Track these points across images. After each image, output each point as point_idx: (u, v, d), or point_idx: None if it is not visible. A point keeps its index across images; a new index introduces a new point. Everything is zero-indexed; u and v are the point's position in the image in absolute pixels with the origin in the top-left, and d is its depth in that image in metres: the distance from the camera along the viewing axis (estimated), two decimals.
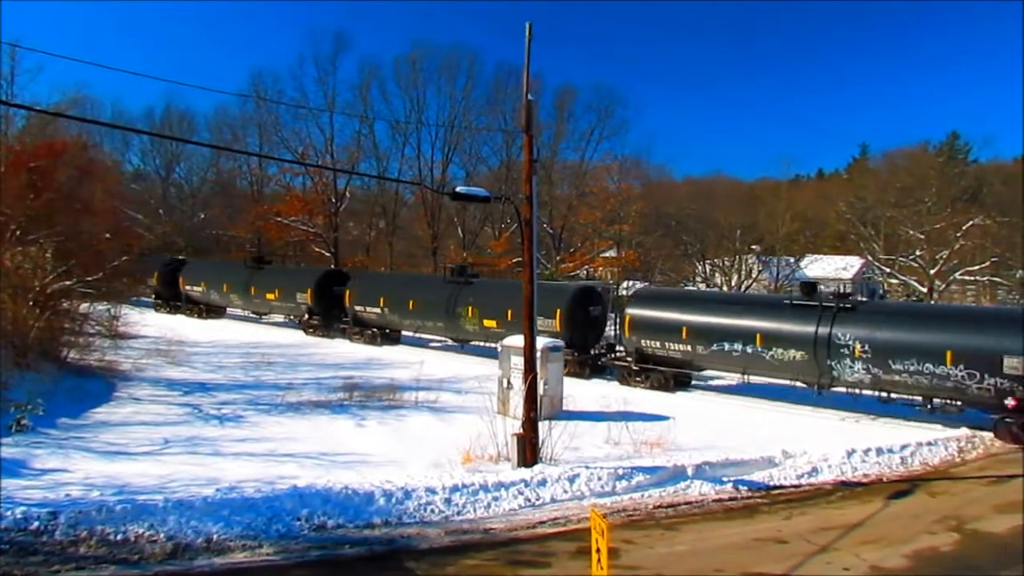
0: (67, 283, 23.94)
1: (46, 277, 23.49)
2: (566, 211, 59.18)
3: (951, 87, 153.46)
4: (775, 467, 16.01)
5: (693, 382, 26.87)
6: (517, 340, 18.40)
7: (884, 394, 21.82)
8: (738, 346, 24.02)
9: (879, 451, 17.13)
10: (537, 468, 14.77)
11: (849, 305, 22.67)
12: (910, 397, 21.89)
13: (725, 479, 15.15)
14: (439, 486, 13.50)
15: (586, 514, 11.09)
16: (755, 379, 24.95)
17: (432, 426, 19.41)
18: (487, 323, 31.15)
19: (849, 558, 11.23)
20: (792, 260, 62.18)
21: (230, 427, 18.82)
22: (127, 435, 17.39)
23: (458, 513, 13.02)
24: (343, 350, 34.05)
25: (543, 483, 14.13)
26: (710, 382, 27.26)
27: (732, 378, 26.39)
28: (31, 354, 21.86)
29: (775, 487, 15.16)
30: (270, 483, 13.49)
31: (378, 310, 35.86)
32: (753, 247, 62.27)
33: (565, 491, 14.07)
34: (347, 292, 37.17)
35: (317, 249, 60.06)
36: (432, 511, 12.93)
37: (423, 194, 58.70)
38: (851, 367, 21.90)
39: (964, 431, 19.46)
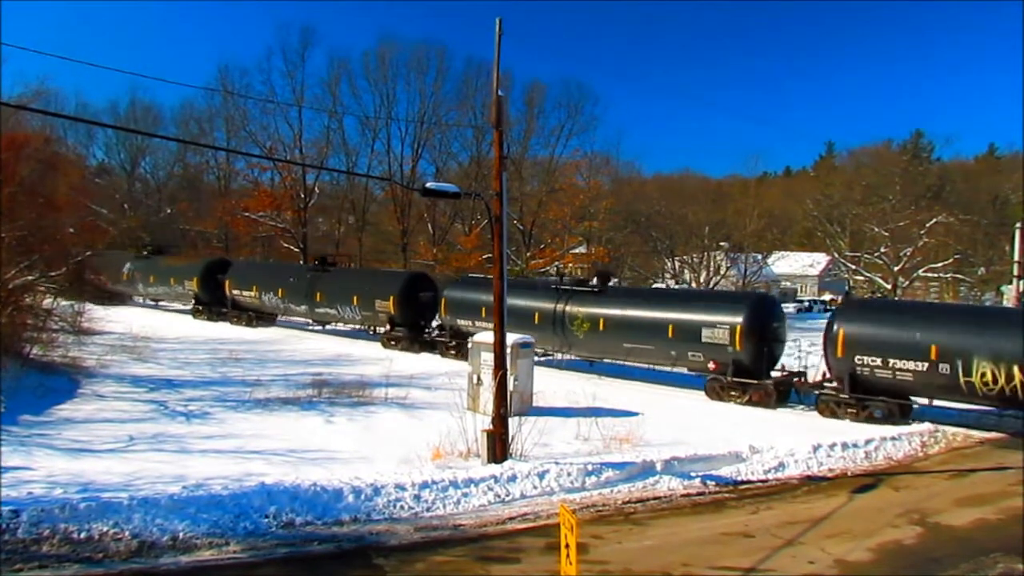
0: (30, 278, 23.52)
1: (8, 272, 23.04)
2: (536, 207, 59.07)
3: (915, 85, 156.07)
4: (742, 462, 16.17)
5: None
6: (487, 336, 18.38)
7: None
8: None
9: (844, 446, 17.38)
10: (507, 464, 14.79)
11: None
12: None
13: (693, 474, 15.28)
14: (408, 483, 13.45)
15: (556, 510, 11.14)
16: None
17: (402, 422, 19.33)
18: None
19: (814, 552, 11.37)
20: (760, 257, 62.86)
21: (197, 424, 18.60)
22: (91, 432, 17.11)
23: (428, 509, 12.99)
24: (312, 346, 33.80)
25: (513, 479, 14.15)
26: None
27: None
28: None
29: (742, 482, 15.31)
30: (238, 480, 13.37)
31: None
32: (722, 244, 62.82)
33: (535, 487, 14.10)
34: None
35: (286, 245, 59.39)
36: (401, 508, 12.89)
37: (393, 190, 58.29)
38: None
39: (927, 426, 19.78)
